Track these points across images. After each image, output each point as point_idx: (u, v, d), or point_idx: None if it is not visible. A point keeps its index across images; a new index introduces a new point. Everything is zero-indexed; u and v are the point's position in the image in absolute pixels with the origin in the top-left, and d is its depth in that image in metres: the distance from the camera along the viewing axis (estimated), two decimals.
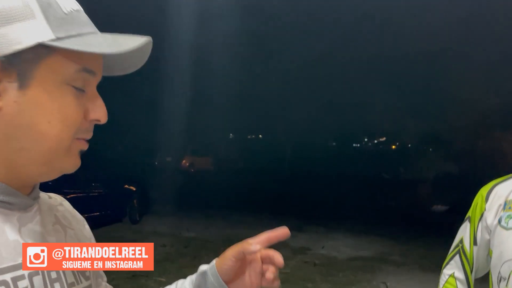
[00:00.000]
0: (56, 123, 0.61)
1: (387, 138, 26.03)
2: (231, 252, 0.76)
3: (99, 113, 0.65)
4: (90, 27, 0.65)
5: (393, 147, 25.98)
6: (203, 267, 0.80)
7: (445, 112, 17.90)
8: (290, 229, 0.77)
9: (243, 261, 0.77)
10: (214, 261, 0.79)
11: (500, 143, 17.44)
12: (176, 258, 6.66)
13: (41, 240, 0.66)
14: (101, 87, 0.69)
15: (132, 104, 17.69)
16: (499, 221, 1.46)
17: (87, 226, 0.84)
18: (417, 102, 18.04)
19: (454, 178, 16.85)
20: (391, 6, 13.85)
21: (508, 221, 1.44)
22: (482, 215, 1.54)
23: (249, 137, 28.05)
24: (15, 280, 0.59)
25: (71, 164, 0.65)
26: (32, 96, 0.60)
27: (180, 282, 0.83)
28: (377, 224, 10.46)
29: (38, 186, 0.70)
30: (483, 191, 1.58)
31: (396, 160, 22.59)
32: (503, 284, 1.40)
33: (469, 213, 1.62)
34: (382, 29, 15.27)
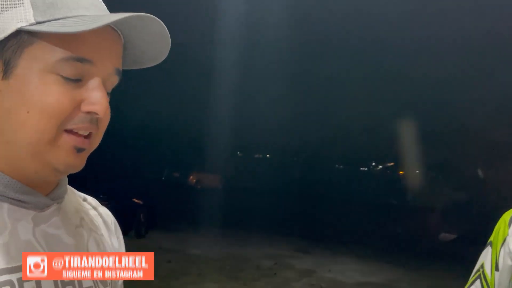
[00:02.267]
0: (34, 113, 0.57)
1: (395, 163, 25.89)
2: None
3: (94, 105, 0.59)
4: (85, 10, 0.60)
5: (401, 172, 25.79)
6: None
7: (455, 140, 17.82)
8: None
9: None
10: None
11: (510, 173, 17.27)
12: (180, 275, 6.60)
13: (55, 242, 0.64)
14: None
15: (142, 118, 17.82)
16: None
17: (120, 237, 0.81)
18: (428, 129, 17.98)
19: (462, 206, 16.67)
20: (397, 31, 13.99)
21: None
22: (504, 240, 1.52)
23: (256, 156, 28.04)
24: (21, 280, 0.57)
25: (61, 161, 0.60)
26: (13, 85, 0.58)
27: None
28: (384, 250, 10.33)
29: (62, 186, 0.68)
30: (506, 216, 1.56)
31: (404, 186, 22.40)
32: None
33: (491, 238, 1.59)
34: (393, 55, 15.36)
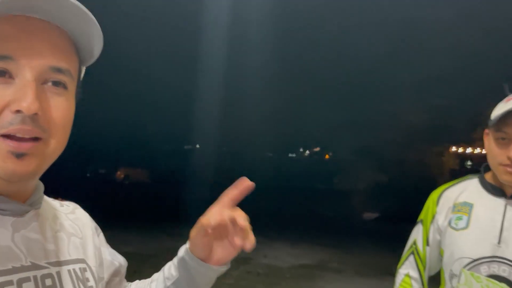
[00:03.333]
0: None
1: (321, 149, 26.96)
2: (195, 233, 0.76)
3: (19, 102, 0.56)
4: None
5: (327, 157, 26.91)
6: (180, 252, 0.80)
7: (375, 126, 18.91)
8: None
9: (212, 233, 0.76)
10: (187, 246, 0.79)
11: (426, 155, 18.76)
12: None
13: (35, 247, 0.63)
14: None
15: None
16: (449, 223, 1.58)
17: (101, 235, 0.82)
18: (351, 115, 18.91)
19: (382, 187, 17.81)
20: (333, 29, 14.53)
21: (458, 222, 1.56)
22: (433, 218, 1.66)
23: (186, 147, 27.73)
24: (1, 285, 0.57)
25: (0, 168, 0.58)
26: None
27: (167, 267, 0.83)
28: (315, 233, 10.77)
29: (39, 192, 0.68)
30: (434, 195, 1.70)
31: (330, 170, 23.43)
32: (455, 280, 1.52)
33: (421, 216, 1.73)
34: (322, 48, 15.92)
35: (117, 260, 0.85)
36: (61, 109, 0.61)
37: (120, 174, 21.20)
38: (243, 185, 0.77)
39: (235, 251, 0.79)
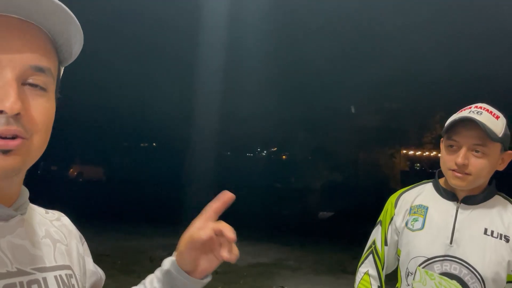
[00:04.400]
0: None
1: (278, 149, 27.23)
2: (185, 245, 0.77)
3: (2, 102, 0.56)
4: None
5: (284, 157, 27.21)
6: (165, 265, 0.80)
7: (331, 127, 19.36)
8: None
9: (200, 247, 0.77)
10: (173, 258, 0.80)
11: (378, 156, 19.44)
12: None
13: (21, 252, 0.64)
14: None
15: None
16: (406, 224, 1.70)
17: (85, 244, 0.82)
18: (306, 116, 19.25)
19: (337, 186, 18.26)
20: (288, 30, 14.73)
21: (414, 223, 1.68)
22: (392, 219, 1.77)
23: (142, 145, 27.16)
24: None
25: None
26: None
27: (148, 280, 0.82)
28: (271, 231, 10.91)
29: (23, 197, 0.68)
30: (392, 198, 1.82)
31: (286, 170, 23.72)
32: (410, 278, 1.63)
33: (381, 217, 1.84)
34: (280, 51, 16.08)
35: (99, 272, 0.85)
36: (42, 110, 0.62)
37: (73, 172, 20.49)
38: (226, 198, 0.79)
39: (218, 262, 0.80)
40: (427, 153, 20.10)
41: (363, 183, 17.70)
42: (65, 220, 0.81)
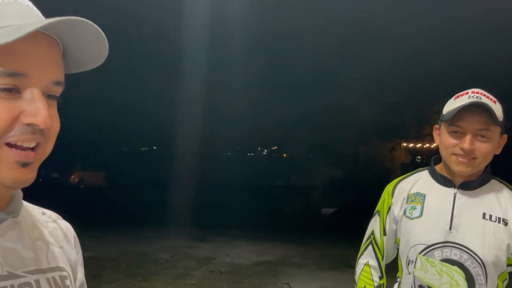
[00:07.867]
0: None
1: (279, 147, 27.24)
2: None
3: (34, 117, 0.58)
4: (12, 18, 0.58)
5: (284, 155, 27.23)
6: None
7: (330, 123, 19.34)
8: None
9: None
10: None
11: (378, 150, 19.43)
12: None
13: (12, 256, 0.63)
14: None
15: None
16: (404, 213, 1.69)
17: (80, 253, 0.82)
18: (305, 113, 19.24)
19: (339, 183, 18.27)
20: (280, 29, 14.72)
21: (412, 211, 1.67)
22: (389, 209, 1.76)
23: (143, 149, 27.20)
24: None
25: (7, 176, 0.59)
26: None
27: None
28: (275, 229, 10.92)
29: (16, 200, 0.68)
30: (389, 187, 1.81)
31: (288, 168, 23.74)
32: (411, 266, 1.63)
33: (378, 208, 1.83)
34: (277, 47, 16.07)
35: (85, 285, 0.85)
36: (56, 119, 0.64)
37: (74, 178, 20.52)
38: None
39: None
40: (427, 145, 20.08)
41: (364, 178, 17.70)
42: (62, 223, 0.80)
